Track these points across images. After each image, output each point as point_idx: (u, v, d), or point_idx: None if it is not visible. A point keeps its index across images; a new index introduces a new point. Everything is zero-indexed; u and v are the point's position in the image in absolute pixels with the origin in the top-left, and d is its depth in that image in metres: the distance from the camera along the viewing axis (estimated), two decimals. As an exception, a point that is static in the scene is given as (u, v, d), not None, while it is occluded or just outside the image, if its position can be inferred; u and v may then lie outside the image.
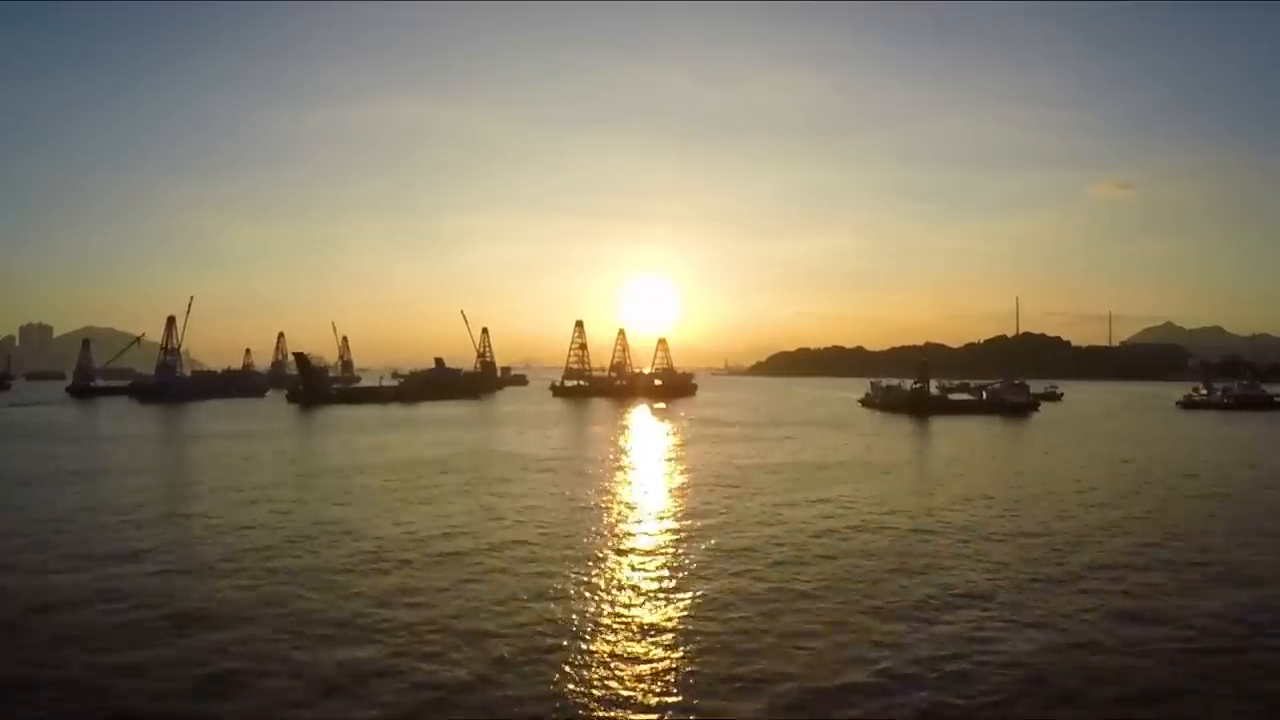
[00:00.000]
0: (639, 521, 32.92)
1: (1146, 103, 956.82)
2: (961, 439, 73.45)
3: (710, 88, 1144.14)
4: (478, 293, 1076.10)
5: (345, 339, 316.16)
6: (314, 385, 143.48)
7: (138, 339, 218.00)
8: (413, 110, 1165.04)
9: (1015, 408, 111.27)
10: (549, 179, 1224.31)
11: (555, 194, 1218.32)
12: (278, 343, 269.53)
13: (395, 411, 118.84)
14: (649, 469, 49.92)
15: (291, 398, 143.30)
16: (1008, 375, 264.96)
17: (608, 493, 40.03)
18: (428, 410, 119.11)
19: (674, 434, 77.88)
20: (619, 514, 34.47)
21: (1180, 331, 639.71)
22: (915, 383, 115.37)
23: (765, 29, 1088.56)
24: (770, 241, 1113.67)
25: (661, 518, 33.56)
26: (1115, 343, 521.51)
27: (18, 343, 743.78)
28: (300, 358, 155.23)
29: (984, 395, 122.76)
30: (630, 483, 43.79)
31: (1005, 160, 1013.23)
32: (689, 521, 32.24)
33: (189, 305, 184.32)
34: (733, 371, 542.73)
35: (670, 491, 41.17)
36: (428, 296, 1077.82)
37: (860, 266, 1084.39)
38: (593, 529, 30.93)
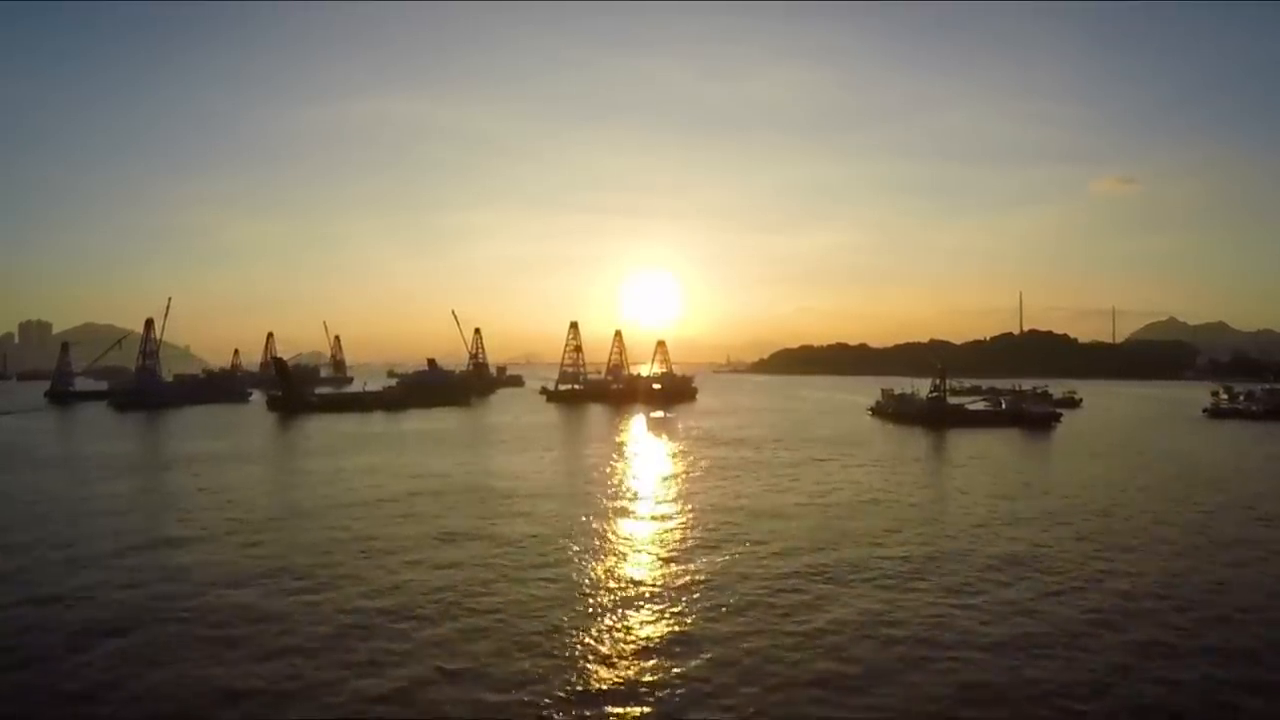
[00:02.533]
0: (635, 620, 25.90)
1: (1150, 98, 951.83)
2: (990, 464, 66.37)
3: (711, 83, 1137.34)
4: (478, 289, 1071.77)
5: (338, 338, 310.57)
6: (293, 392, 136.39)
7: (119, 341, 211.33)
8: (412, 107, 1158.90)
9: (1038, 419, 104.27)
10: (550, 175, 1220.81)
11: (556, 190, 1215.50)
12: (266, 343, 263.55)
13: (377, 424, 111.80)
14: (647, 522, 42.64)
15: (271, 405, 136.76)
16: (1014, 373, 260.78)
17: (599, 571, 32.90)
18: (413, 422, 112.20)
19: (674, 459, 70.75)
20: (612, 609, 27.44)
21: (1184, 327, 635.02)
22: (931, 391, 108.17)
23: (766, 24, 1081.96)
24: (772, 237, 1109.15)
25: (661, 615, 26.53)
26: (1118, 338, 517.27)
27: (17, 340, 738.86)
28: (279, 363, 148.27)
29: (1002, 404, 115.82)
30: (626, 551, 36.33)
31: (1007, 156, 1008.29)
32: (691, 633, 25.15)
33: (167, 306, 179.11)
34: (735, 368, 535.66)
35: (671, 566, 34.03)
36: (429, 293, 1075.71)
37: (862, 262, 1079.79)
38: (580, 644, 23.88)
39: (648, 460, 67.79)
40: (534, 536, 37.34)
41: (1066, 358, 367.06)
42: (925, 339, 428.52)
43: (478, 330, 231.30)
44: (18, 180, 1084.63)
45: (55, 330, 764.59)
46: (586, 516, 41.75)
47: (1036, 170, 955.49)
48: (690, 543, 36.76)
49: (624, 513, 43.64)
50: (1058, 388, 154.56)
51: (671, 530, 39.66)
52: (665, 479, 57.58)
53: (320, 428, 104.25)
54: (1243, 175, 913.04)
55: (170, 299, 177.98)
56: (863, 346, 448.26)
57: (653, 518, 43.00)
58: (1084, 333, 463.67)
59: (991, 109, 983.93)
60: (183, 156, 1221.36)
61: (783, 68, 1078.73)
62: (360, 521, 40.79)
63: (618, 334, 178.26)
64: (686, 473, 60.42)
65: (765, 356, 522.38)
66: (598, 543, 36.50)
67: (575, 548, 35.29)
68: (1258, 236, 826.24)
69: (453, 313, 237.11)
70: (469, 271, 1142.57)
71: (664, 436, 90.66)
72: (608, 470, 60.66)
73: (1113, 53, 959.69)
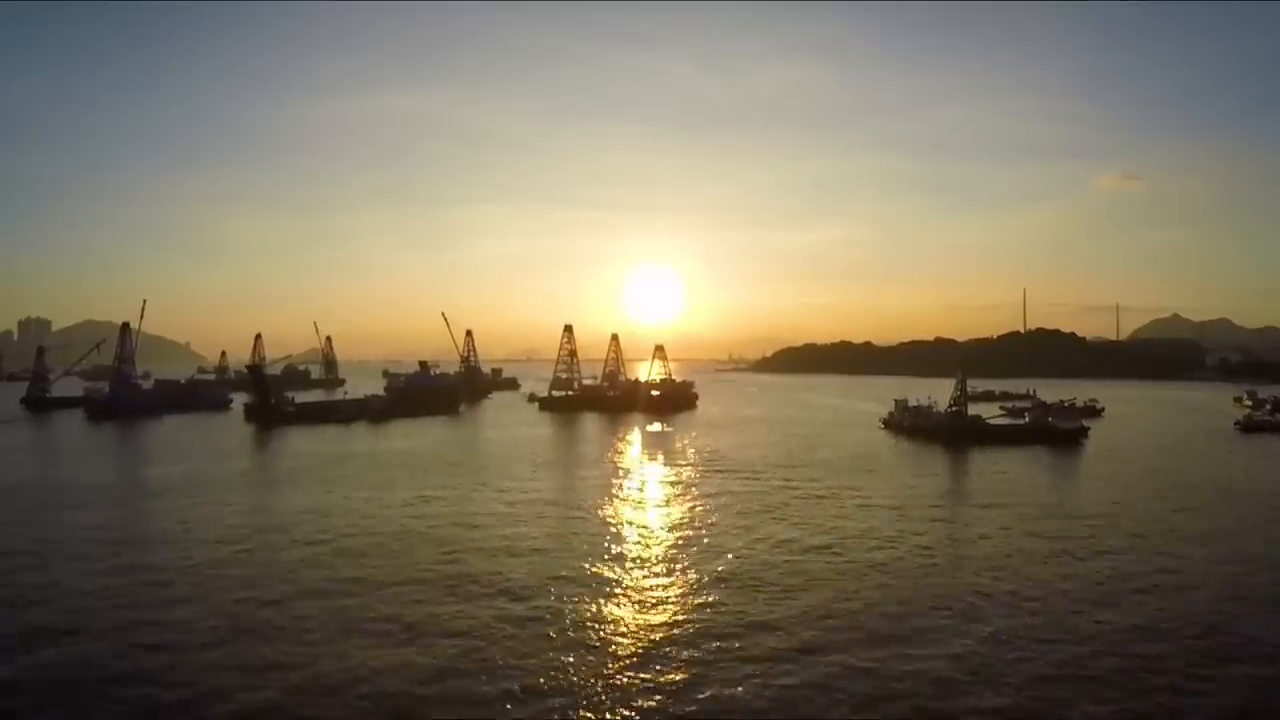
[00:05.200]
0: None
1: (1153, 94, 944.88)
2: (1024, 500, 58.78)
3: (712, 79, 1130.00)
4: (479, 284, 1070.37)
5: (329, 339, 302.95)
6: (269, 403, 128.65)
7: (98, 345, 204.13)
8: (414, 103, 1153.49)
9: (1065, 435, 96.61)
10: (552, 171, 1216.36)
11: (558, 186, 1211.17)
12: (254, 345, 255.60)
13: (355, 438, 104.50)
14: (639, 589, 35.17)
15: (248, 416, 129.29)
16: (1021, 373, 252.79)
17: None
18: (393, 438, 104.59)
19: (670, 496, 63.49)
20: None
21: (1188, 324, 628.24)
22: (950, 405, 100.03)
23: (767, 20, 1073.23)
24: (773, 232, 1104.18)
25: None
26: (1122, 335, 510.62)
27: (16, 337, 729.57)
28: (255, 371, 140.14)
29: (1026, 417, 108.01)
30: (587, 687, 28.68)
31: (1009, 152, 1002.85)
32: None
33: (142, 309, 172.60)
34: (737, 366, 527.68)
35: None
36: (429, 287, 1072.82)
37: (864, 258, 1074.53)
38: None
39: (639, 500, 58.95)
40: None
41: (1073, 357, 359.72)
42: (929, 336, 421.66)
43: (469, 332, 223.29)
44: (18, 178, 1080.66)
45: (55, 328, 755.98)
46: (548, 617, 32.57)
47: (1038, 166, 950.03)
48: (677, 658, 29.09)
49: (596, 598, 35.41)
50: (1070, 391, 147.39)
51: (650, 643, 31.86)
52: (656, 532, 49.76)
53: (292, 445, 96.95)
54: (1247, 171, 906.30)
55: (145, 301, 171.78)
56: (867, 345, 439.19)
57: (623, 609, 35.31)
58: (1088, 329, 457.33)
59: (993, 105, 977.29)
60: (184, 153, 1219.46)
61: (784, 64, 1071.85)
62: (252, 647, 29.18)
63: (614, 338, 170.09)
64: (681, 521, 52.44)
65: (768, 355, 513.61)
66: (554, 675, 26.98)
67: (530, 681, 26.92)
68: (1262, 232, 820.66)
69: (443, 315, 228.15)
70: (470, 267, 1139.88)
71: (661, 459, 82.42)
72: (591, 517, 52.70)
73: (1116, 49, 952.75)
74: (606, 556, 41.72)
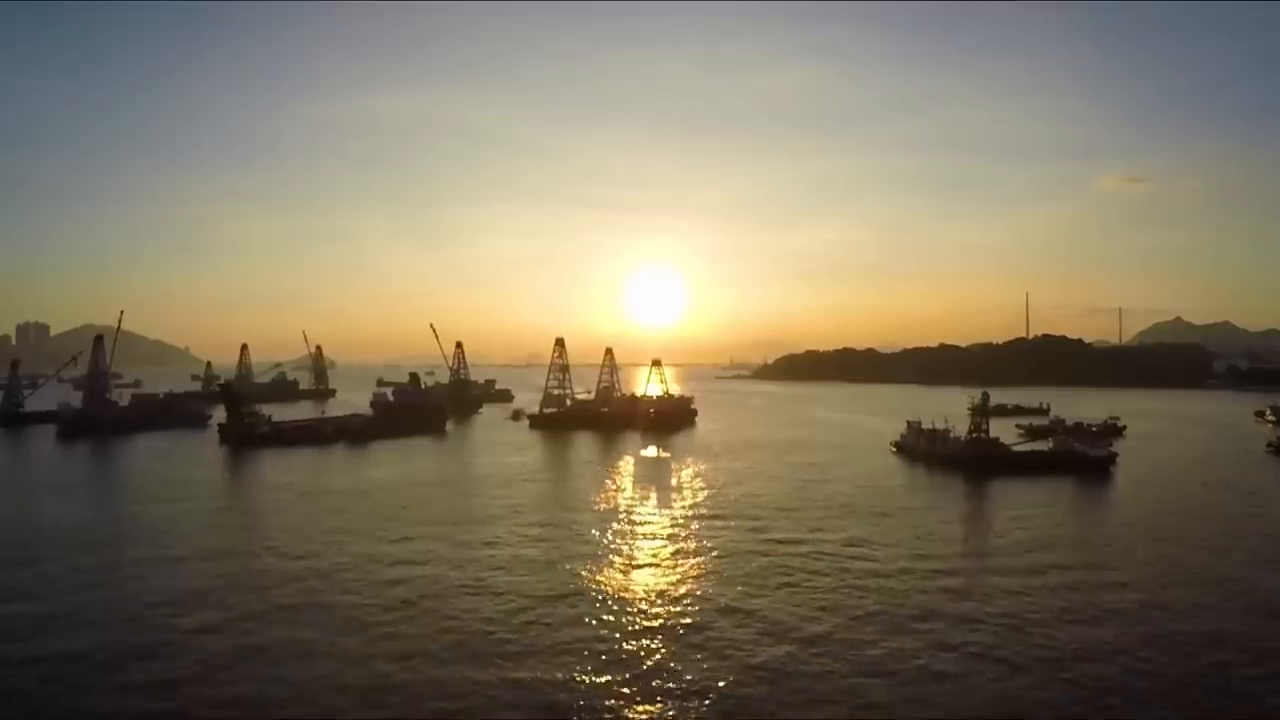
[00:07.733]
0: None
1: (1158, 95, 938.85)
2: (1069, 546, 51.63)
3: (716, 78, 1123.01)
4: (481, 285, 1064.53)
5: (319, 348, 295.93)
6: (242, 423, 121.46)
7: (74, 357, 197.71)
8: (414, 103, 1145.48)
9: (1093, 464, 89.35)
10: (553, 171, 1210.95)
11: (559, 185, 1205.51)
12: (240, 355, 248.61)
13: (331, 466, 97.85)
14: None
15: (222, 437, 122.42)
16: (1028, 380, 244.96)
17: None
18: (370, 465, 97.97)
19: (663, 557, 56.77)
20: None
21: (1191, 327, 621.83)
22: (971, 431, 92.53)
23: (771, 20, 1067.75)
24: (777, 233, 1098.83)
25: None
26: (1125, 338, 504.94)
27: (14, 341, 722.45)
28: (227, 391, 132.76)
29: (1050, 442, 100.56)
30: None
31: (1014, 151, 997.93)
32: None
33: (119, 320, 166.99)
34: (738, 373, 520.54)
35: None
36: (430, 289, 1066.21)
37: (868, 259, 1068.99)
38: None
39: (624, 573, 50.29)
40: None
41: (1078, 363, 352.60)
42: (933, 341, 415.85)
43: (459, 344, 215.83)
44: (16, 179, 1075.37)
45: (54, 332, 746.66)
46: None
47: (1042, 167, 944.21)
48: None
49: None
50: (1078, 400, 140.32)
51: None
52: (639, 627, 42.70)
53: (262, 476, 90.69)
54: (1251, 172, 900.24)
55: (122, 311, 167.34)
56: (870, 352, 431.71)
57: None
58: (1090, 332, 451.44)
59: (999, 104, 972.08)
60: (181, 153, 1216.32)
61: (788, 63, 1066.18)
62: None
63: (608, 352, 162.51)
64: (670, 608, 45.34)
65: (770, 360, 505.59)
66: None
67: None
68: (1265, 234, 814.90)
69: (430, 326, 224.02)
70: (473, 269, 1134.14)
71: (654, 499, 74.87)
72: (568, 593, 45.57)
73: (1121, 48, 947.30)
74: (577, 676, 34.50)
